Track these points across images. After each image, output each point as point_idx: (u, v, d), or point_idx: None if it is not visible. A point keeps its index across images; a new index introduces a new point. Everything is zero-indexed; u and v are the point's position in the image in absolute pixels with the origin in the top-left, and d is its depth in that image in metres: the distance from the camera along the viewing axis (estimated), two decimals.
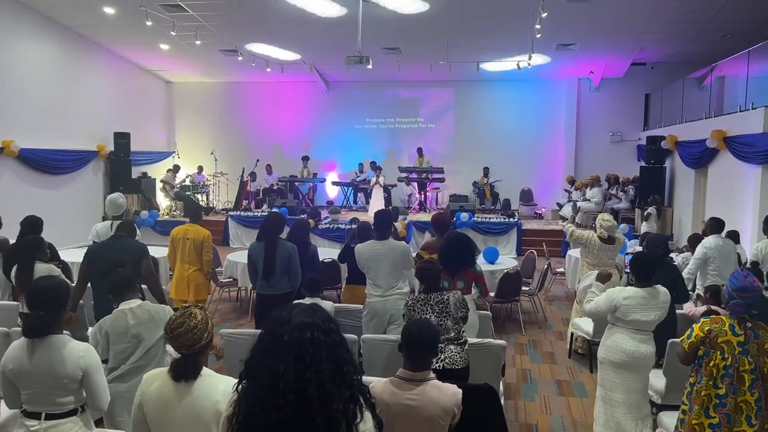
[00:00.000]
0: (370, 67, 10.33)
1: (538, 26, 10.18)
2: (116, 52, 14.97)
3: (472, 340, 4.31)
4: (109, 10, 11.71)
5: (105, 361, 3.50)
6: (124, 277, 3.76)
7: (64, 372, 2.80)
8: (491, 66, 14.76)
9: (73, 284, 4.96)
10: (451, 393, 2.80)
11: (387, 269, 5.14)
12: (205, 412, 2.48)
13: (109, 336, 3.55)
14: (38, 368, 2.81)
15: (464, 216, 12.84)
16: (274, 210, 12.07)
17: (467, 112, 16.85)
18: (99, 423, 3.60)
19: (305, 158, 16.69)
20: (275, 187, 16.12)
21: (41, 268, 4.86)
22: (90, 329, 4.07)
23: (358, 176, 16.48)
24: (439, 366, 3.76)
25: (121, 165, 14.68)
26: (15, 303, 5.17)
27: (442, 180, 15.72)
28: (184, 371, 2.53)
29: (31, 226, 5.53)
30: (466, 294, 4.67)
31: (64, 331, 3.02)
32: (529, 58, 12.42)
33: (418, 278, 4.18)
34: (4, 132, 11.59)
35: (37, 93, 12.53)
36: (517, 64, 13.11)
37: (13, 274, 5.05)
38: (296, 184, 16.27)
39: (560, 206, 14.72)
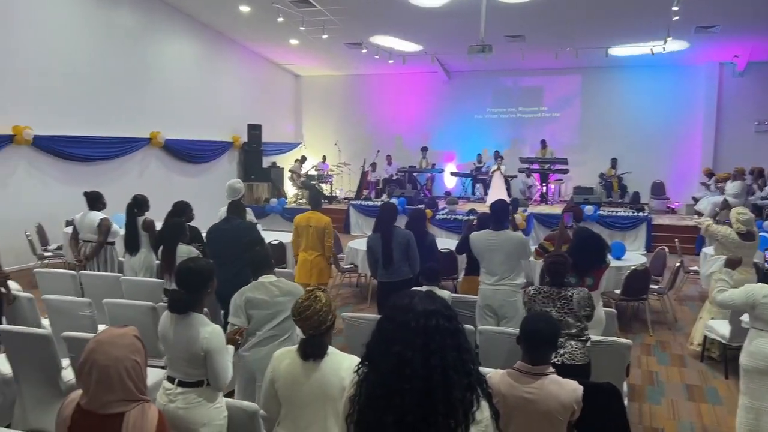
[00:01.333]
0: (492, 55, 10.13)
1: (675, 8, 9.52)
2: (250, 48, 15.82)
3: (595, 337, 4.16)
4: (244, 9, 12.41)
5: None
6: (262, 254, 4.05)
7: (193, 348, 3.01)
8: (621, 51, 14.03)
9: None
10: (571, 389, 2.74)
11: (501, 259, 5.10)
12: (332, 387, 2.61)
13: (249, 302, 3.82)
14: (176, 340, 3.06)
15: (589, 209, 12.41)
16: (387, 201, 12.26)
17: (595, 100, 16.20)
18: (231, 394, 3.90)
19: (424, 149, 16.76)
20: (394, 178, 16.33)
21: (183, 250, 5.28)
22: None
23: (477, 166, 16.31)
24: (558, 361, 3.69)
25: (253, 155, 15.51)
26: (160, 280, 5.62)
27: (565, 171, 15.26)
28: (312, 351, 2.67)
29: (177, 210, 5.98)
30: (593, 290, 4.54)
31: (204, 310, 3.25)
32: (665, 43, 11.64)
33: (546, 271, 4.11)
34: (153, 124, 12.65)
35: (181, 88, 13.53)
36: (651, 49, 12.33)
37: (159, 254, 5.50)
38: (415, 174, 16.38)
39: (696, 200, 13.70)
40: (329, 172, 17.02)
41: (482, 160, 16.26)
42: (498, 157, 15.04)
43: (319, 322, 2.69)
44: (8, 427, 4.04)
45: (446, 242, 9.07)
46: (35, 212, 9.90)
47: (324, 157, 17.29)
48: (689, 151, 15.53)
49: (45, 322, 5.13)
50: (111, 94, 11.63)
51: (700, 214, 12.55)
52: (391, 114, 17.78)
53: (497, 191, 14.23)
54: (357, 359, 1.91)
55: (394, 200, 12.67)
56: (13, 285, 5.05)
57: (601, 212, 12.70)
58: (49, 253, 9.33)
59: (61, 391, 4.15)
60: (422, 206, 12.01)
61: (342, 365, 2.65)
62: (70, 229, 7.51)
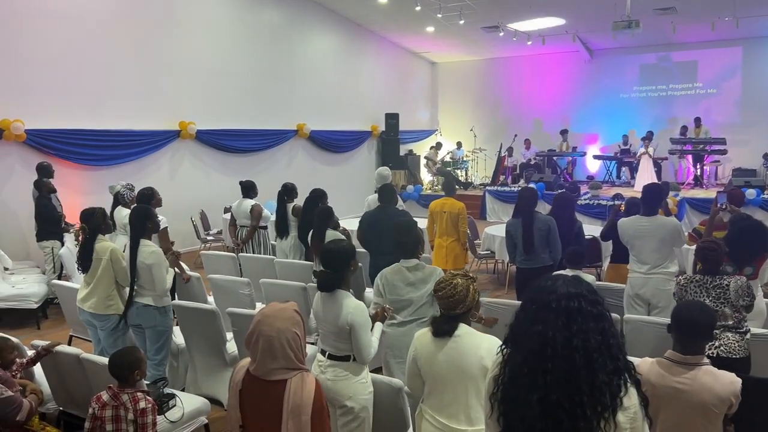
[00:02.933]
0: (640, 30, 9.57)
1: None
2: (387, 38, 16.16)
3: (756, 330, 3.90)
4: (382, 0, 12.71)
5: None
6: (411, 238, 4.12)
7: (339, 322, 3.18)
8: None
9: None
10: (728, 381, 2.61)
11: (653, 246, 4.89)
12: (471, 366, 2.69)
13: (389, 283, 3.96)
14: (327, 316, 3.28)
15: (751, 193, 11.52)
16: (527, 186, 11.90)
17: (758, 73, 14.80)
18: (378, 370, 4.10)
19: (564, 132, 16.22)
20: (533, 162, 16.01)
21: (331, 234, 5.61)
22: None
23: (622, 148, 15.52)
24: (713, 353, 3.51)
25: (390, 143, 15.88)
26: (310, 263, 6.00)
27: (723, 152, 14.11)
28: (440, 329, 2.79)
29: (315, 197, 6.30)
30: (753, 279, 4.32)
31: (350, 290, 3.46)
32: None
33: (698, 258, 3.93)
34: (299, 116, 13.38)
35: (323, 81, 14.14)
36: None
37: (308, 238, 5.86)
38: (554, 158, 15.96)
39: None
40: (465, 158, 17.00)
41: (628, 142, 15.51)
42: (647, 138, 14.22)
43: (450, 306, 2.80)
44: (182, 390, 4.45)
45: (589, 228, 8.72)
46: (198, 200, 10.87)
47: (459, 143, 17.29)
48: None
49: (210, 299, 5.65)
50: (261, 89, 12.42)
51: None
52: (529, 97, 17.39)
53: (646, 175, 13.56)
54: (495, 339, 1.94)
55: (532, 185, 12.37)
56: (183, 266, 5.59)
57: (765, 196, 11.74)
58: (211, 237, 10.24)
59: (226, 361, 4.61)
60: (564, 191, 11.77)
61: (481, 345, 2.71)
62: (228, 216, 8.18)
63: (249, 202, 7.24)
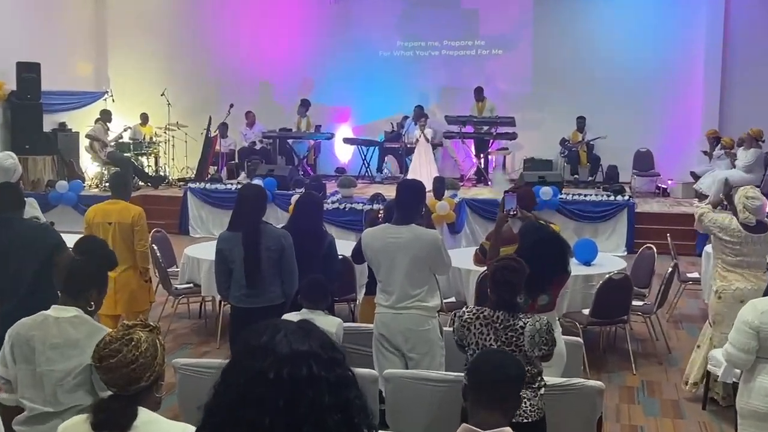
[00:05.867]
0: None
1: None
2: None
3: (553, 379, 4.29)
4: None
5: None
6: (77, 270, 4.00)
7: None
8: None
9: None
10: None
11: (405, 268, 5.13)
12: None
13: (14, 349, 3.75)
14: None
15: (546, 192, 12.45)
16: (252, 182, 12.09)
17: (554, 33, 16.48)
18: None
19: (305, 103, 16.54)
20: (258, 147, 16.10)
21: None
22: None
23: (393, 131, 16.27)
24: None
25: (26, 111, 15.02)
26: None
27: (513, 136, 15.44)
28: (109, 419, 2.68)
29: None
30: (550, 312, 4.71)
31: None
32: None
33: (491, 283, 4.19)
34: None
35: None
36: None
37: None
38: (290, 142, 16.20)
39: (696, 177, 14.43)
40: (153, 138, 16.65)
41: (397, 125, 16.30)
42: (421, 115, 15.02)
43: (128, 379, 2.72)
44: None
45: (342, 245, 8.89)
46: None
47: (144, 116, 16.92)
48: (687, 107, 15.95)
49: None
50: None
51: (703, 196, 12.96)
52: (253, 51, 17.58)
53: (423, 169, 14.28)
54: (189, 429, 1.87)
55: (258, 181, 12.34)
56: None
57: (563, 196, 12.93)
58: None
59: None
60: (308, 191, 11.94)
61: None
62: None
63: None
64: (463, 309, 4.26)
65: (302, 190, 12.30)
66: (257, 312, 5.31)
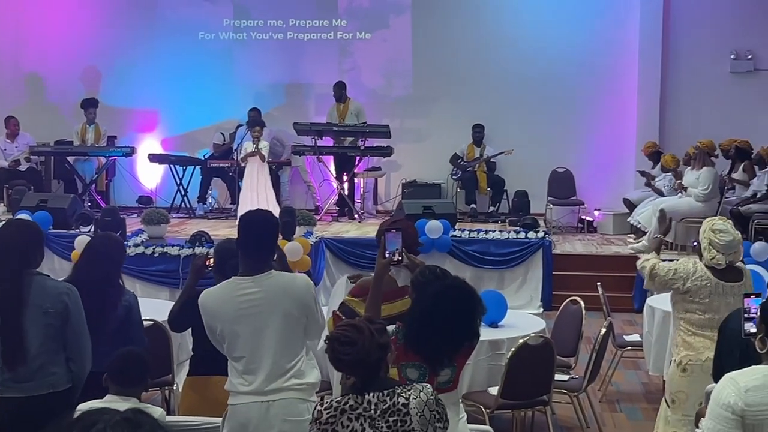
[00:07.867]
0: None
1: None
2: None
3: None
4: None
5: None
6: None
7: None
8: None
9: None
10: None
11: (275, 334, 4.79)
12: None
13: None
14: None
15: (433, 228, 11.49)
16: (17, 217, 11.02)
17: (439, 15, 15.44)
18: None
19: (90, 103, 14.90)
20: (24, 167, 14.95)
21: None
22: None
23: (224, 144, 15.10)
24: None
25: None
26: None
27: (387, 152, 14.38)
28: None
29: None
30: (451, 392, 4.46)
31: None
32: None
33: (331, 362, 3.97)
34: None
35: None
36: None
37: None
38: (71, 159, 15.02)
39: (631, 206, 13.80)
40: None
41: (230, 136, 15.14)
42: (256, 123, 13.78)
43: None
44: None
45: (149, 305, 8.39)
46: None
47: None
48: (617, 114, 15.40)
49: None
50: None
51: (640, 232, 13.04)
52: (9, 29, 15.93)
53: (260, 194, 13.35)
54: None
55: (24, 216, 10.99)
56: None
57: (456, 234, 12.17)
58: None
59: None
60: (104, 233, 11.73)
61: None
62: None
63: None
64: (317, 407, 3.73)
65: (91, 228, 11.84)
66: (27, 405, 4.92)
